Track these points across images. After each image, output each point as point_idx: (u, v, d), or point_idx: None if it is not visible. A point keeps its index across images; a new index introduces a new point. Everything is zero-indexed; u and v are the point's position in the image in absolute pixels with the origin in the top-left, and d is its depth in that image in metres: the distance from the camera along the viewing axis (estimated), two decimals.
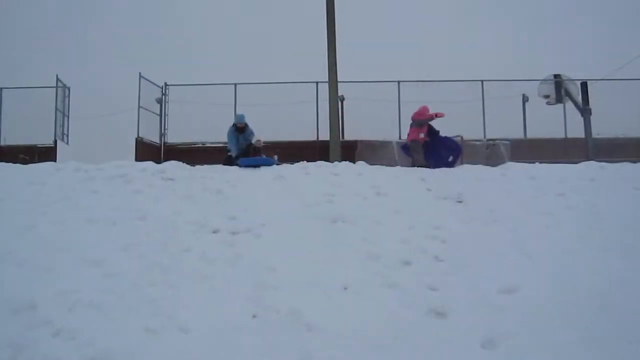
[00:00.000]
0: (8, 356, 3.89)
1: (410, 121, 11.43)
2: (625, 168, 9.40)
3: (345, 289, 5.19)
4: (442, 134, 12.01)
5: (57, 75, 15.14)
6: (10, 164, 9.16)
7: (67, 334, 4.06)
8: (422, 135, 11.09)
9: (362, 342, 4.08)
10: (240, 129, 11.11)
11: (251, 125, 11.42)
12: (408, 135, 11.46)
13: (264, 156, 10.38)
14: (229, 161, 10.86)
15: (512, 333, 4.29)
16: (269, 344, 4.07)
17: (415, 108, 11.66)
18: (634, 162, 9.76)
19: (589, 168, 9.47)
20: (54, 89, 15.07)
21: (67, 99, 15.63)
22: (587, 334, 4.30)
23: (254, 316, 4.61)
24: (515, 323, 4.49)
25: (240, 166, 9.68)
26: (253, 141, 10.59)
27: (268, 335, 4.22)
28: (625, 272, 5.51)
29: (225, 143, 12.52)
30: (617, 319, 4.51)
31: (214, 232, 6.65)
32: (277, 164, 9.68)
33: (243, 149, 11.17)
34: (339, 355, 3.87)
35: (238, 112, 11.70)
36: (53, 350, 3.87)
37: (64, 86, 15.53)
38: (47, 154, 14.02)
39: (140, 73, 15.06)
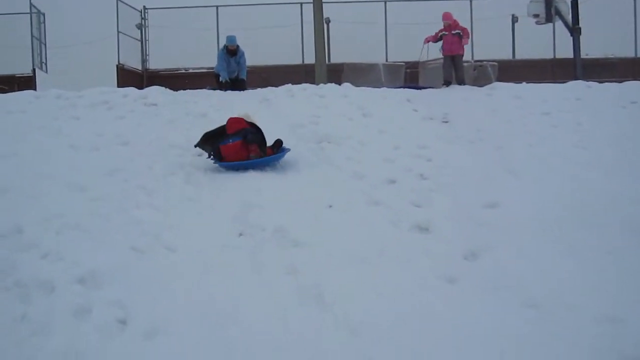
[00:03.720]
0: None
1: (446, 33, 10.66)
2: (612, 87, 9.37)
3: (331, 207, 5.24)
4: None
5: (30, 1, 14.51)
6: None
7: (55, 255, 4.07)
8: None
9: (347, 256, 4.15)
10: (231, 52, 10.62)
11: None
12: (448, 48, 10.64)
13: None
14: (221, 87, 10.39)
15: (493, 245, 4.37)
16: (256, 260, 4.13)
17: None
18: (622, 82, 9.73)
19: (576, 87, 9.44)
20: (28, 15, 14.49)
21: (42, 25, 15.07)
22: (567, 246, 4.39)
23: (240, 234, 4.66)
24: (497, 236, 4.57)
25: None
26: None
27: (254, 252, 4.27)
28: (606, 187, 5.59)
29: (210, 68, 12.20)
30: (596, 231, 4.59)
31: (199, 155, 6.62)
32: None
33: (233, 76, 10.68)
34: (324, 268, 3.94)
35: (229, 34, 11.03)
36: (42, 272, 3.89)
37: (39, 12, 14.93)
38: (26, 83, 13.70)
39: None
